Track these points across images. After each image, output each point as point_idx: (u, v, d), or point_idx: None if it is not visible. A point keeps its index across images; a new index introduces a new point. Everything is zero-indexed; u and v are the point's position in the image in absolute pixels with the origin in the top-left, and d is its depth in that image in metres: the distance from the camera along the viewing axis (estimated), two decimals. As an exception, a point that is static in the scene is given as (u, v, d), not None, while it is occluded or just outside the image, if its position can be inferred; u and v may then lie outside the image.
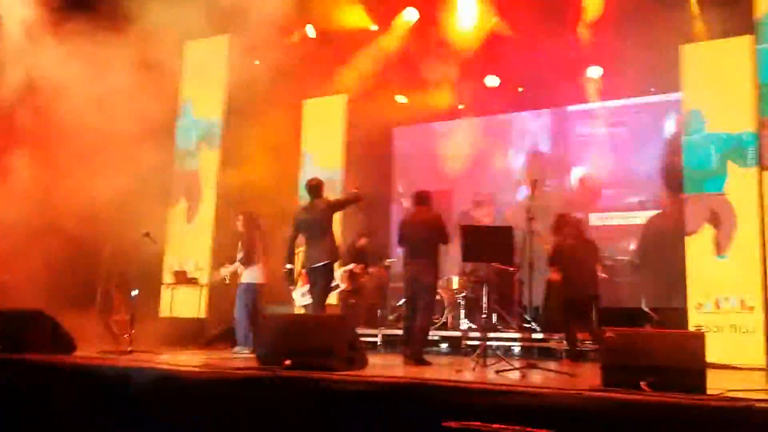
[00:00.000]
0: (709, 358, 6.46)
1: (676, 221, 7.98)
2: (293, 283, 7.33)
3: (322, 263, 6.74)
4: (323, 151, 10.35)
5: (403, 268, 6.97)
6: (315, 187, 7.05)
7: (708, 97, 7.79)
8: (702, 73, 7.87)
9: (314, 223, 6.87)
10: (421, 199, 6.94)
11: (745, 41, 7.61)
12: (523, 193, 11.33)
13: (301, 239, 7.06)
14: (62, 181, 8.03)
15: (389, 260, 9.99)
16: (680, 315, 7.60)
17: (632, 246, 10.29)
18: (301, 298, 8.22)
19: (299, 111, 10.45)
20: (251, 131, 9.61)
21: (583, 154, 11.54)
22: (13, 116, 8.08)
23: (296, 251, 7.08)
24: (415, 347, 6.51)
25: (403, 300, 7.12)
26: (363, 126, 10.53)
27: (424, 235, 6.65)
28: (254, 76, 9.17)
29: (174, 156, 10.17)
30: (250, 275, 7.90)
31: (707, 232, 7.59)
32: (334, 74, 9.83)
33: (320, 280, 6.77)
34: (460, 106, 11.62)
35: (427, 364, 6.30)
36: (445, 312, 9.12)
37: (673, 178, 8.60)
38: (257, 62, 9.37)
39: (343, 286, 8.72)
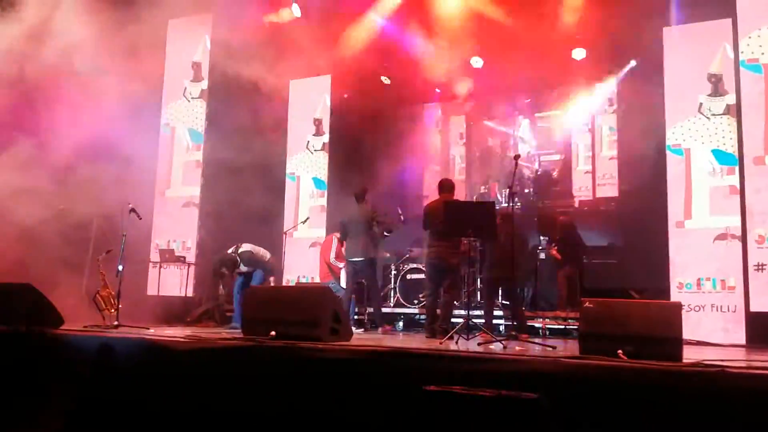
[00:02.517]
0: (691, 335, 6.74)
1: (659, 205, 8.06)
2: None
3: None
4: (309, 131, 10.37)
5: (427, 250, 7.46)
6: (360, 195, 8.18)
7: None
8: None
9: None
10: (445, 187, 7.40)
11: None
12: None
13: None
14: (50, 156, 8.01)
15: None
16: (663, 296, 7.73)
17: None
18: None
19: (286, 91, 10.41)
20: (237, 110, 9.59)
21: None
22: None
23: None
24: (444, 323, 6.90)
25: (428, 280, 7.48)
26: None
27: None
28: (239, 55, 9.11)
29: (161, 134, 10.18)
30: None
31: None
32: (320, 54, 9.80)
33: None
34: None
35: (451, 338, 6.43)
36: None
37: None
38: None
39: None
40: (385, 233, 8.30)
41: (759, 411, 3.38)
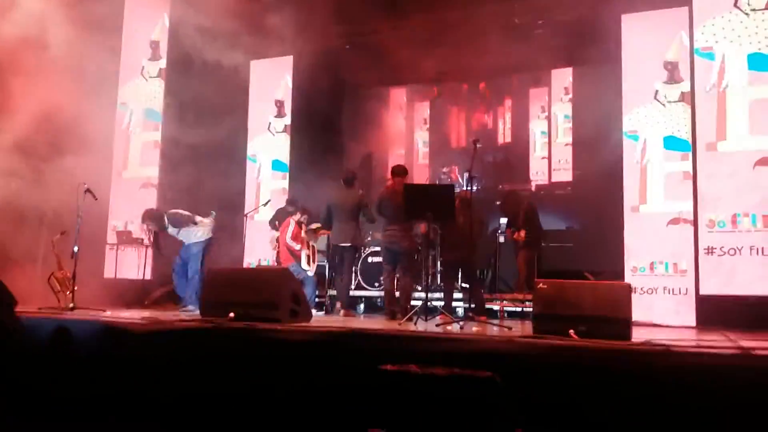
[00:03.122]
0: (644, 317, 6.93)
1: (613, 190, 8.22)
2: None
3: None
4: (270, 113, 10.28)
5: (382, 234, 7.60)
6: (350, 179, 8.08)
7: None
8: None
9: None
10: (397, 172, 7.52)
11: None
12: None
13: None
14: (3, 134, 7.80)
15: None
16: (618, 279, 7.90)
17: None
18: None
19: (247, 71, 10.28)
20: (196, 91, 9.44)
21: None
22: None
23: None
24: (403, 305, 7.10)
25: (384, 263, 7.63)
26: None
27: (402, 205, 6.94)
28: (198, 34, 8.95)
29: (117, 115, 9.98)
30: (207, 231, 8.00)
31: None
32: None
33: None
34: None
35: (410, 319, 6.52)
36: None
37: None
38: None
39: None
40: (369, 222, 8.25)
41: (702, 387, 3.52)
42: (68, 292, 6.79)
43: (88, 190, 7.02)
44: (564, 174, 11.32)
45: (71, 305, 6.53)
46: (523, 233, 8.46)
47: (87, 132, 8.61)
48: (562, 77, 11.44)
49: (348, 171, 8.39)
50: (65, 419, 4.58)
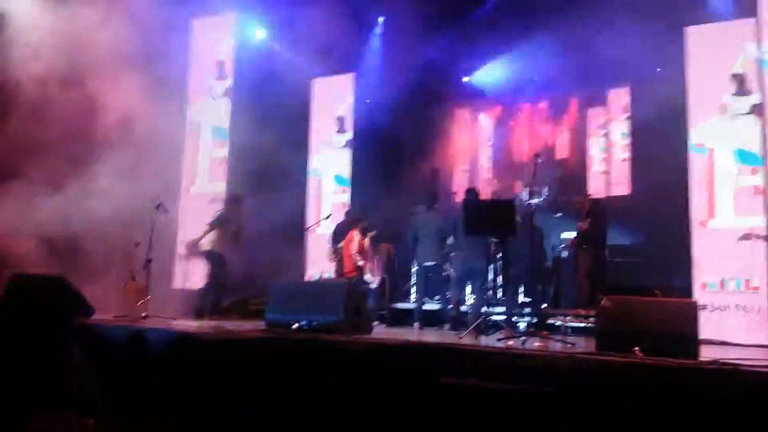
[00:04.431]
0: (714, 335, 6.72)
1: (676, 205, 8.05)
2: None
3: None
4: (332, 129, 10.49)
5: (456, 253, 7.86)
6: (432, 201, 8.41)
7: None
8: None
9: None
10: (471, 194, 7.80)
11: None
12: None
13: None
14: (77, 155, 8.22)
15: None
16: (685, 294, 7.70)
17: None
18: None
19: (308, 88, 10.52)
20: (260, 108, 9.73)
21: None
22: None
23: None
24: (471, 320, 7.15)
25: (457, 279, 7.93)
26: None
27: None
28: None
29: (186, 131, 10.37)
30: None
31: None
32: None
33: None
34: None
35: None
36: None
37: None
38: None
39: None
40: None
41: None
42: (140, 302, 7.07)
43: (160, 204, 7.31)
44: (621, 188, 11.46)
45: (144, 314, 6.80)
46: (585, 225, 8.33)
47: (159, 149, 8.99)
48: (619, 98, 11.65)
49: (430, 194, 8.58)
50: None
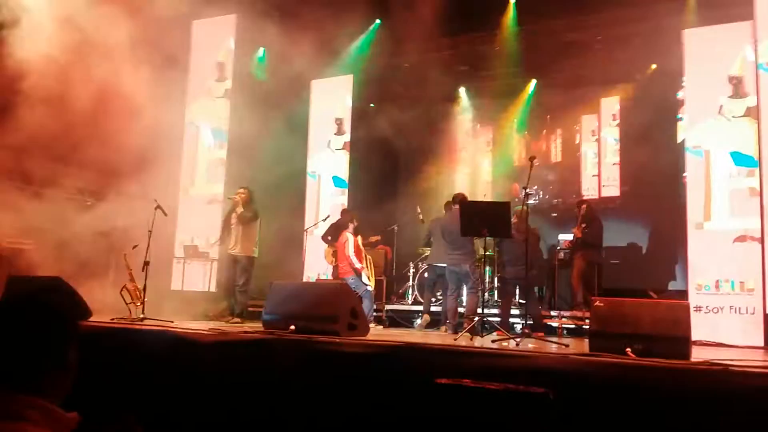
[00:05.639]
0: (709, 337, 6.76)
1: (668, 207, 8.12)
2: None
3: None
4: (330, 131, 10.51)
5: (447, 258, 7.80)
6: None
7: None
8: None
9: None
10: (460, 200, 7.77)
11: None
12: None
13: None
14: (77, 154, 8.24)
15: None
16: (681, 296, 7.74)
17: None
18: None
19: (307, 90, 10.54)
20: (259, 110, 9.75)
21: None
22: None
23: None
24: (465, 321, 7.34)
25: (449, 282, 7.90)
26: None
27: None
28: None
29: (184, 133, 10.40)
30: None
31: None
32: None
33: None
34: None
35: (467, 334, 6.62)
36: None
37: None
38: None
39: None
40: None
41: (763, 408, 3.45)
42: (139, 303, 7.11)
43: (158, 207, 7.35)
44: (612, 190, 11.91)
45: (141, 316, 6.84)
46: (579, 231, 8.44)
47: (157, 150, 9.01)
48: (610, 105, 12.06)
49: (457, 195, 8.28)
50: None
